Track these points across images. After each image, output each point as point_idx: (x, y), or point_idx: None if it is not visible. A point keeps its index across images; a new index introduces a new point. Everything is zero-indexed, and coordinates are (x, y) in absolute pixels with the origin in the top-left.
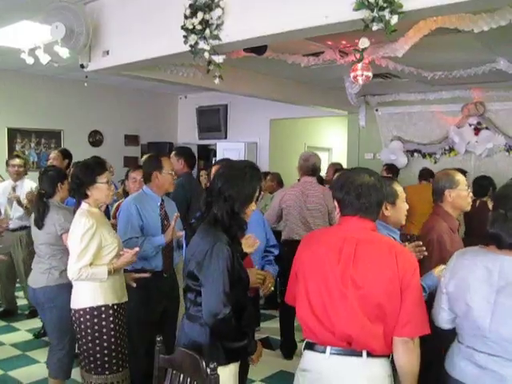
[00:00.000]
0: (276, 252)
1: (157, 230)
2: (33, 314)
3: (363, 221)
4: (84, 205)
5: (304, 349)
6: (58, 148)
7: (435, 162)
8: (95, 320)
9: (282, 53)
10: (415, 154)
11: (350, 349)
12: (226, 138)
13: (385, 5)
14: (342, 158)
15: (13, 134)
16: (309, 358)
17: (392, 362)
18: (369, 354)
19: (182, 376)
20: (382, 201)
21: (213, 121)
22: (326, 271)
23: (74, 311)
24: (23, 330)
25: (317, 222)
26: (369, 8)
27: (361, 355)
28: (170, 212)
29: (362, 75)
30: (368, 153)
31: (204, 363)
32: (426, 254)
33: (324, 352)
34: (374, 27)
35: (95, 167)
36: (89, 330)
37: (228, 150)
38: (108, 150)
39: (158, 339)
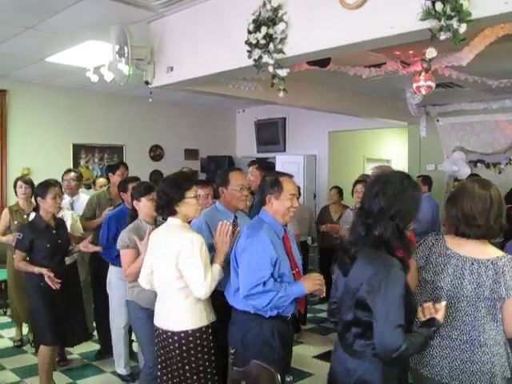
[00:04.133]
0: None
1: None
2: None
3: None
4: (175, 220)
5: None
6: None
7: (499, 172)
8: (198, 341)
9: (344, 65)
10: (478, 165)
11: None
12: (284, 150)
13: (453, 13)
14: (402, 169)
15: (77, 149)
16: None
17: None
18: None
19: None
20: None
21: (271, 134)
22: None
23: (171, 333)
24: (90, 341)
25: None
26: (436, 17)
27: None
28: None
29: (425, 85)
30: (429, 164)
31: (279, 376)
32: None
33: None
34: (442, 37)
35: (183, 182)
36: (191, 351)
37: (287, 162)
38: (168, 165)
39: (232, 351)
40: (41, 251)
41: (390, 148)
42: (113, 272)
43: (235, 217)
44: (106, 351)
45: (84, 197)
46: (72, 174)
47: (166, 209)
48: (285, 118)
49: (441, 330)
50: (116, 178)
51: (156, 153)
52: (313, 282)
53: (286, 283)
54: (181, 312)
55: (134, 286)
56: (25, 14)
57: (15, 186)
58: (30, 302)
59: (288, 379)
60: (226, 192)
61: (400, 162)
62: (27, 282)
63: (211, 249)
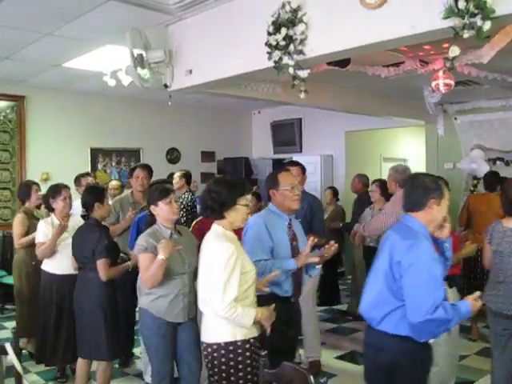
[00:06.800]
0: None
1: (286, 252)
2: None
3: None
4: (217, 227)
5: None
6: (182, 171)
7: None
8: (231, 355)
9: (363, 64)
10: (498, 162)
11: None
12: (301, 151)
13: (476, 11)
14: (419, 168)
15: (95, 153)
16: None
17: None
18: None
19: None
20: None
21: (287, 135)
22: None
23: (205, 345)
24: None
25: None
26: (459, 15)
27: None
28: (298, 233)
29: (444, 83)
30: (448, 162)
31: (312, 378)
32: None
33: None
34: (465, 35)
35: (238, 187)
36: (223, 367)
37: (304, 163)
38: (185, 167)
39: (263, 353)
40: (116, 256)
41: (408, 147)
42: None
43: (290, 219)
44: (128, 358)
45: None
46: (90, 179)
47: (215, 211)
48: (301, 119)
49: (500, 277)
50: (133, 181)
51: (173, 155)
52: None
53: (455, 304)
54: (213, 322)
55: (148, 293)
56: (43, 21)
57: (29, 190)
58: (103, 313)
59: (322, 380)
60: (278, 194)
61: (418, 161)
62: (102, 291)
63: (271, 253)
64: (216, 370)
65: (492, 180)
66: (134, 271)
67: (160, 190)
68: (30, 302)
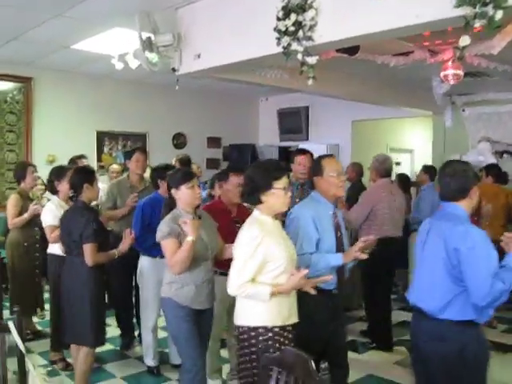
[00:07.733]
0: None
1: (331, 243)
2: None
3: None
4: (255, 212)
5: None
6: (178, 156)
7: None
8: (252, 341)
9: (372, 53)
10: (505, 156)
11: None
12: (307, 139)
13: (488, 0)
14: (425, 159)
15: (101, 136)
16: None
17: None
18: None
19: (288, 376)
20: None
21: (294, 122)
22: None
23: (236, 325)
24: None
25: (400, 220)
26: (470, 4)
27: None
28: (341, 222)
29: (453, 74)
30: (454, 154)
31: (313, 363)
32: None
33: None
34: (477, 24)
35: (273, 171)
36: (245, 350)
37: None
38: (191, 152)
39: (262, 339)
40: (104, 240)
41: (414, 138)
42: (145, 262)
43: (334, 207)
44: (130, 341)
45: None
46: (85, 161)
47: (250, 196)
48: (308, 107)
49: None
50: (132, 165)
51: (179, 140)
52: None
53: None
54: (243, 306)
55: (171, 281)
56: (52, 2)
57: (25, 171)
58: (90, 299)
59: (323, 366)
60: (323, 180)
61: (424, 152)
62: (90, 277)
63: (317, 244)
64: (242, 350)
65: (500, 172)
66: (130, 256)
67: (183, 173)
68: (25, 282)
